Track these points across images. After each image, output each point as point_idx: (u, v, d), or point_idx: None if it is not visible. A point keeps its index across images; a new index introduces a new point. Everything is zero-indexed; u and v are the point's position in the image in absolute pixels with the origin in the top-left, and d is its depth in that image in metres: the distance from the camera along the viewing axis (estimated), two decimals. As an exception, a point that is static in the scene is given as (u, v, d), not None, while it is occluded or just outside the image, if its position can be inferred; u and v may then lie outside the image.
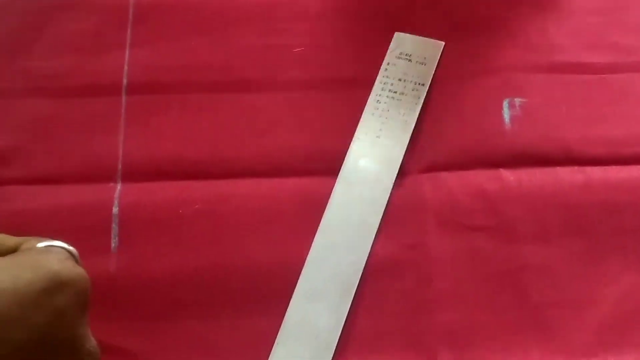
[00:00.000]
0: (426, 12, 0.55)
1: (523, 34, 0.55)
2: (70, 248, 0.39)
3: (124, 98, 0.53)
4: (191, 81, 0.54)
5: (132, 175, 0.51)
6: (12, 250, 0.39)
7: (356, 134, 0.51)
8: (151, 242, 0.48)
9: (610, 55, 0.54)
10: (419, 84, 0.52)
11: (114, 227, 0.49)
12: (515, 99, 0.52)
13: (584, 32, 0.55)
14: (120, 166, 0.51)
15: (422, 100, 0.52)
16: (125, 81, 0.54)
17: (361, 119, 0.51)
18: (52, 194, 0.50)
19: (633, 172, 0.50)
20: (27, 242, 0.39)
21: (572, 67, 0.53)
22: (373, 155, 0.50)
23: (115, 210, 0.49)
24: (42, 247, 0.38)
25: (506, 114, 0.52)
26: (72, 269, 0.37)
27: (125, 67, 0.54)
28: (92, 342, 0.38)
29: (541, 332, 0.46)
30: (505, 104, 0.52)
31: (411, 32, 0.54)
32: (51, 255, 0.37)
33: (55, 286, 0.35)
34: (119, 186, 0.50)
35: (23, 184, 0.51)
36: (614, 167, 0.50)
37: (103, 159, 0.51)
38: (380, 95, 0.52)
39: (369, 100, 0.52)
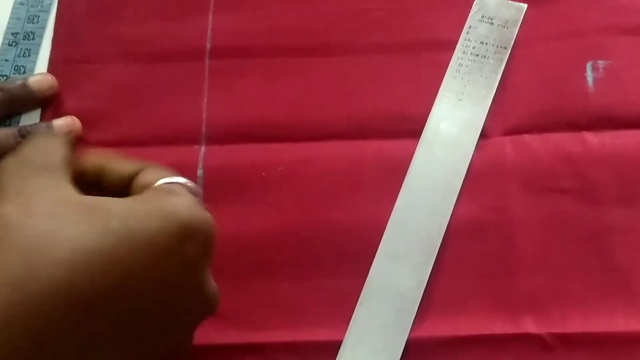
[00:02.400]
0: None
1: (607, -4, 0.55)
2: (193, 185, 0.39)
3: (207, 62, 0.55)
4: (274, 45, 0.55)
5: (216, 138, 0.52)
6: (128, 180, 0.39)
7: (438, 96, 0.52)
8: (235, 203, 0.50)
9: (698, 16, 0.53)
10: (501, 47, 0.53)
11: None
12: (599, 62, 0.52)
13: (672, -7, 0.55)
14: (204, 129, 0.53)
15: (504, 64, 0.52)
16: (208, 45, 0.55)
17: (443, 82, 0.52)
18: (138, 156, 0.52)
19: None
20: (145, 173, 0.39)
21: (657, 29, 0.53)
22: (455, 118, 0.51)
23: (199, 172, 0.51)
24: (163, 185, 0.38)
25: (589, 76, 0.52)
26: (201, 216, 0.36)
27: (209, 32, 0.56)
28: (212, 285, 0.38)
29: (628, 296, 0.47)
30: (588, 66, 0.52)
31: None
32: (179, 199, 0.36)
33: (186, 235, 0.35)
34: (203, 148, 0.52)
35: (110, 146, 0.52)
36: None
37: (187, 122, 0.53)
38: (462, 58, 0.53)
39: (450, 63, 0.53)
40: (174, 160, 0.50)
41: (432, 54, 0.54)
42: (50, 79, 0.54)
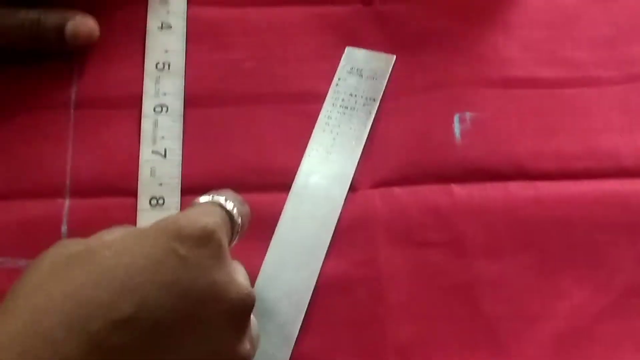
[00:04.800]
0: (377, 25, 0.58)
1: (474, 48, 0.57)
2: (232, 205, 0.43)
3: (72, 111, 0.55)
4: (139, 95, 0.55)
5: (81, 191, 0.52)
6: None
7: (307, 150, 0.53)
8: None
9: (561, 69, 0.56)
10: (370, 99, 0.55)
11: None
12: (466, 113, 0.54)
13: (535, 46, 0.57)
14: (68, 181, 0.53)
15: (373, 116, 0.54)
16: (73, 96, 0.55)
17: (312, 135, 0.53)
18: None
19: (584, 187, 0.52)
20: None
21: (522, 81, 0.56)
22: (324, 171, 0.52)
23: (64, 229, 0.51)
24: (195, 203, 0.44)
25: (457, 128, 0.54)
26: (199, 223, 0.40)
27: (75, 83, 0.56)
28: (239, 287, 0.40)
29: (495, 346, 0.49)
30: (456, 118, 0.54)
31: (362, 46, 0.57)
32: (185, 212, 0.42)
33: (180, 242, 0.39)
34: (67, 202, 0.52)
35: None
36: (564, 181, 0.53)
37: (51, 174, 0.53)
38: (331, 111, 0.54)
39: (320, 115, 0.54)
40: (36, 215, 0.50)
41: (302, 106, 0.55)
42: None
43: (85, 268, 0.38)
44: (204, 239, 0.39)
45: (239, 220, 0.44)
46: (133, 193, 0.52)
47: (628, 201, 0.52)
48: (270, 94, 0.56)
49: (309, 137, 0.54)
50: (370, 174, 0.53)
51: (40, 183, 0.53)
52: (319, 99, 0.55)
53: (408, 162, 0.53)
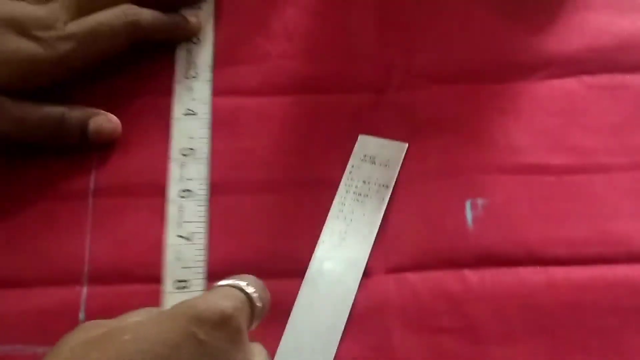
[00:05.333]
0: (390, 113, 0.60)
1: (485, 135, 0.58)
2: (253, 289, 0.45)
3: (90, 200, 0.56)
4: (158, 185, 0.57)
5: (99, 278, 0.54)
6: None
7: (321, 236, 0.54)
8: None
9: (571, 156, 0.57)
10: (383, 185, 0.56)
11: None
12: (478, 200, 0.56)
13: (545, 134, 0.58)
14: (86, 268, 0.54)
15: (386, 202, 0.55)
16: (92, 185, 0.57)
17: (326, 222, 0.55)
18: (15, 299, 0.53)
19: (595, 272, 0.53)
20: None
21: (533, 168, 0.57)
22: (338, 257, 0.53)
23: (81, 315, 0.52)
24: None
25: (469, 214, 0.55)
26: (215, 307, 0.41)
27: (93, 171, 0.58)
28: None
29: None
30: (467, 204, 0.56)
31: (375, 134, 0.59)
32: (203, 296, 0.43)
33: (199, 326, 0.40)
34: (85, 289, 0.53)
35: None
36: (576, 267, 0.53)
37: (69, 261, 0.54)
38: (344, 197, 0.56)
39: (334, 202, 0.55)
40: (54, 302, 0.51)
41: (316, 193, 0.56)
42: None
43: (104, 352, 0.39)
44: (222, 323, 0.40)
45: (259, 304, 0.45)
46: (151, 279, 0.53)
47: (639, 286, 0.53)
48: (284, 181, 0.57)
49: (323, 223, 0.55)
50: (384, 260, 0.54)
51: (57, 271, 0.54)
52: (333, 185, 0.56)
53: (421, 248, 0.54)
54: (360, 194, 0.55)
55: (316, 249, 0.54)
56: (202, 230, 0.55)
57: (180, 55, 0.62)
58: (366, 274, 0.53)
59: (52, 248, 0.55)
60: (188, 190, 0.56)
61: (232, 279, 0.45)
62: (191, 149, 0.58)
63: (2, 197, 0.57)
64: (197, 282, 0.53)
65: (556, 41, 0.62)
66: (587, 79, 0.61)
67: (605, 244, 0.54)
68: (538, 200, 0.56)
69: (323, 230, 0.54)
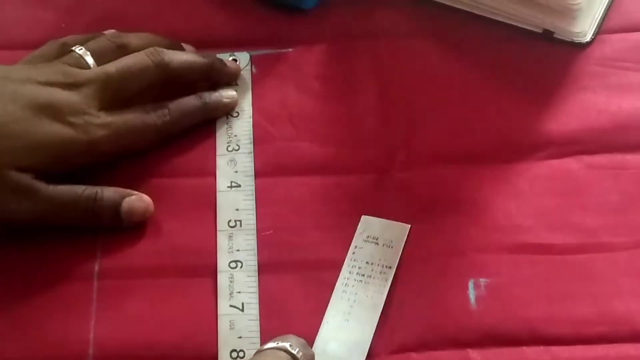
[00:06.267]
0: (391, 194, 0.61)
1: (487, 215, 0.59)
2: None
3: (95, 283, 0.57)
4: (162, 265, 0.58)
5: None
6: None
7: (325, 316, 0.55)
8: None
9: (572, 236, 0.58)
10: (387, 266, 0.57)
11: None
12: (480, 280, 0.56)
13: (546, 214, 0.59)
14: (91, 351, 0.54)
15: (389, 283, 0.56)
16: (97, 267, 0.58)
17: (330, 302, 0.55)
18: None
19: (599, 351, 0.53)
20: None
21: (535, 247, 0.58)
22: (342, 338, 0.54)
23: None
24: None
25: (472, 294, 0.56)
26: None
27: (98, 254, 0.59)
28: None
29: None
30: (470, 284, 0.56)
31: (377, 214, 0.59)
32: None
33: None
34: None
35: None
36: (579, 346, 0.54)
37: (74, 344, 0.55)
38: (348, 278, 0.56)
39: (337, 283, 0.56)
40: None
41: (319, 273, 0.57)
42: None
43: None
44: None
45: (311, 352, 0.48)
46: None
47: (644, 365, 0.53)
48: (287, 262, 0.58)
49: (327, 304, 0.55)
50: (387, 340, 0.54)
51: (62, 354, 0.55)
52: (336, 265, 0.57)
53: (424, 328, 0.55)
54: (364, 275, 0.56)
55: (321, 328, 0.54)
56: (254, 300, 0.56)
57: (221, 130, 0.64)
58: (370, 354, 0.54)
59: (57, 331, 0.55)
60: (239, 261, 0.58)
61: (276, 340, 0.48)
62: (238, 220, 0.60)
63: (7, 279, 0.57)
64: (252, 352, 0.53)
65: (555, 122, 0.64)
66: (587, 159, 0.62)
67: (609, 323, 0.55)
68: (540, 279, 0.57)
69: (327, 310, 0.55)
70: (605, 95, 0.65)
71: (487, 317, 0.55)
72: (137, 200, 0.58)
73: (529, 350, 0.54)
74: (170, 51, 0.62)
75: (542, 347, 0.54)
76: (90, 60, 0.60)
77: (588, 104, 0.65)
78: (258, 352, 0.47)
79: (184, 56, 0.63)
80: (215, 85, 0.65)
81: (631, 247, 0.58)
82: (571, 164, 0.62)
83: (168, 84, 0.62)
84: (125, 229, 0.59)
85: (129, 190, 0.59)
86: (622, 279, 0.56)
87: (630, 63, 0.67)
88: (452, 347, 0.54)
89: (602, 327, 0.55)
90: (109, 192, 0.58)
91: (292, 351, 0.47)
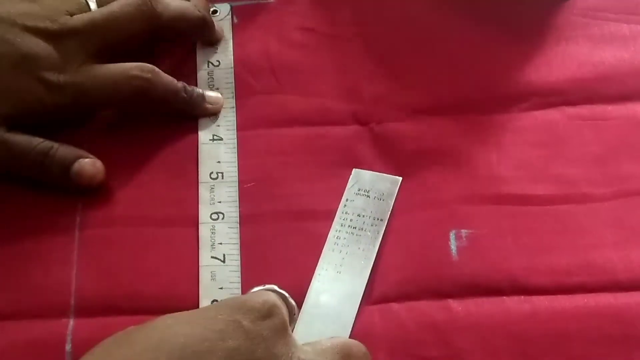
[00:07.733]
0: (375, 145, 0.61)
1: (468, 167, 0.60)
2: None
3: (77, 233, 0.58)
4: (143, 215, 0.59)
5: (85, 310, 0.55)
6: None
7: (317, 268, 0.55)
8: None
9: (553, 187, 0.59)
10: (378, 219, 0.57)
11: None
12: (462, 231, 0.57)
13: (527, 165, 0.60)
14: (73, 301, 0.55)
15: (381, 235, 0.56)
16: (78, 219, 0.58)
17: (322, 254, 0.56)
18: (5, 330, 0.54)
19: (579, 301, 0.54)
20: None
21: (516, 198, 0.59)
22: (334, 290, 0.54)
23: (68, 347, 0.53)
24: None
25: (453, 245, 0.57)
26: (258, 298, 0.44)
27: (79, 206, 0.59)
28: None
29: None
30: (452, 235, 0.57)
31: (362, 167, 0.60)
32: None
33: (242, 314, 0.43)
34: (71, 322, 0.54)
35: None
36: (560, 296, 0.55)
37: (55, 294, 0.55)
38: (339, 231, 0.57)
39: (329, 235, 0.57)
40: (40, 335, 0.52)
41: (301, 224, 0.58)
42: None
43: (147, 334, 0.41)
44: (268, 313, 0.43)
45: (293, 303, 0.49)
46: (138, 311, 0.54)
47: (623, 314, 0.54)
48: (268, 214, 0.59)
49: (310, 255, 0.56)
50: (369, 291, 0.55)
51: (44, 304, 0.55)
52: (319, 217, 0.58)
53: (405, 278, 0.55)
54: (355, 227, 0.57)
55: (313, 280, 0.55)
56: (235, 252, 0.57)
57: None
58: (351, 304, 0.54)
59: (39, 281, 0.56)
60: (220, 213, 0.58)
61: (263, 285, 0.49)
62: (219, 172, 0.60)
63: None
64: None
65: (538, 73, 0.64)
66: (569, 110, 0.63)
67: (589, 273, 0.56)
68: (521, 230, 0.57)
69: (319, 262, 0.56)
70: (587, 47, 0.65)
71: (468, 268, 0.56)
72: (89, 163, 0.58)
73: (510, 300, 0.55)
74: None
75: (522, 296, 0.55)
76: (93, 5, 0.60)
77: (571, 55, 0.65)
78: (248, 292, 0.48)
79: (179, 3, 0.62)
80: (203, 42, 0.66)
81: (611, 198, 0.59)
82: (553, 114, 0.62)
83: (158, 35, 0.62)
84: (107, 182, 0.59)
85: (85, 153, 0.58)
86: (603, 230, 0.57)
87: (612, 13, 0.67)
88: (433, 297, 0.55)
89: (583, 277, 0.55)
90: (64, 150, 0.58)
91: (281, 291, 0.48)
